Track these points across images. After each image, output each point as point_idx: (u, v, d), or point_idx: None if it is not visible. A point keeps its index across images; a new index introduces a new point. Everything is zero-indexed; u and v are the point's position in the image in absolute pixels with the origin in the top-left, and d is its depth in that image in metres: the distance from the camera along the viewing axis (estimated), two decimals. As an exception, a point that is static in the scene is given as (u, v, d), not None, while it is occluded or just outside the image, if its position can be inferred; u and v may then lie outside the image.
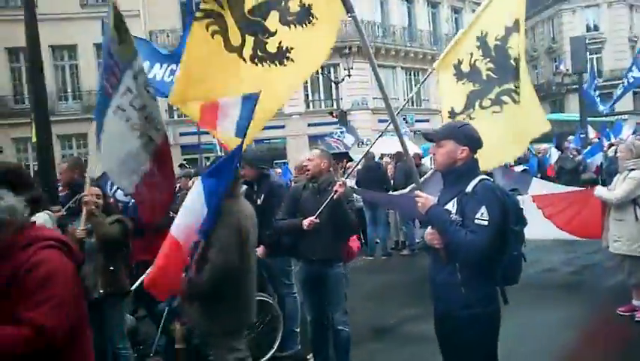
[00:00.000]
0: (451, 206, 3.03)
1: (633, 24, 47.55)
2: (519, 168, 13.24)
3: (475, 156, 3.13)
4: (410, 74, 32.91)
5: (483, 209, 2.88)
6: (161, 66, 7.07)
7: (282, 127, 28.42)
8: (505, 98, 4.51)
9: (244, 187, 5.83)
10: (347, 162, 12.39)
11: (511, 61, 4.51)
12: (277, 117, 28.58)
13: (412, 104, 32.57)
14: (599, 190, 6.42)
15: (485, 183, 3.01)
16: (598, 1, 46.55)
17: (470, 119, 4.45)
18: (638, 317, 6.00)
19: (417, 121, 31.93)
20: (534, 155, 15.67)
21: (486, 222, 2.85)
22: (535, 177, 13.12)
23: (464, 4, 35.61)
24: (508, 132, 4.51)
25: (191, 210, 3.53)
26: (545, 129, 4.68)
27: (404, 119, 30.68)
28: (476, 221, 2.88)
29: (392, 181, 11.07)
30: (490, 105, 4.55)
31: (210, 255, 3.46)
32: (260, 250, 5.22)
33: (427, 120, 32.64)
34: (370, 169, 10.56)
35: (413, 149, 11.69)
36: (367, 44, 3.78)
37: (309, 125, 28.02)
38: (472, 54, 4.64)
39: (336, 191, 4.58)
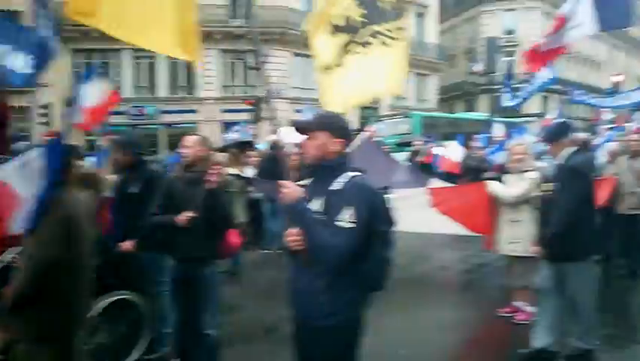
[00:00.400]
0: (319, 204, 2.79)
1: (546, 30, 49.51)
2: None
3: (347, 150, 2.93)
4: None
5: (351, 210, 2.66)
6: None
7: (194, 111, 27.63)
8: (371, 39, 4.46)
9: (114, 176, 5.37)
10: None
11: (379, 2, 4.47)
12: (189, 101, 27.80)
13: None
14: (494, 186, 6.36)
15: (355, 181, 2.78)
16: (516, 5, 48.26)
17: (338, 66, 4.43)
18: (516, 319, 6.02)
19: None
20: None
21: (352, 225, 2.63)
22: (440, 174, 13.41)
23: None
24: (368, 74, 4.44)
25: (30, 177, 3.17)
26: (397, 92, 4.82)
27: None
28: (341, 223, 2.65)
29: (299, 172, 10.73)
30: (357, 48, 4.48)
31: (31, 249, 3.00)
32: (127, 244, 4.88)
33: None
34: (271, 159, 10.21)
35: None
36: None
37: (223, 111, 27.24)
38: (347, 7, 4.52)
39: (208, 181, 4.23)
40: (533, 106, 44.92)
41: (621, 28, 7.08)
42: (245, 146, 11.78)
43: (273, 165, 9.92)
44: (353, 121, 30.91)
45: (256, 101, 21.13)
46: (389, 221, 2.94)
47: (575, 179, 4.59)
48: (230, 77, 28.71)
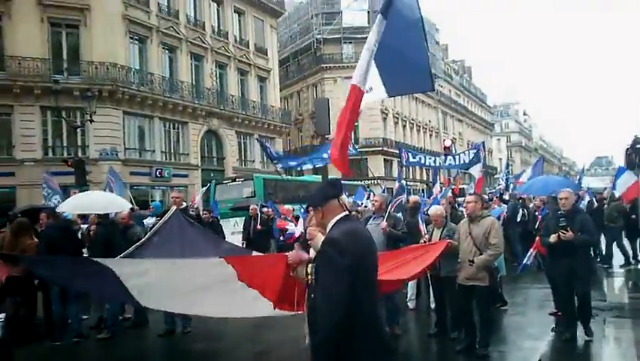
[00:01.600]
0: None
1: (385, 99, 52.46)
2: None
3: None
4: (169, 126, 31.08)
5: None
6: None
7: (12, 174, 24.47)
8: None
9: None
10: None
11: None
12: (6, 163, 24.66)
13: (171, 158, 30.87)
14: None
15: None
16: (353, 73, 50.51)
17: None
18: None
19: (174, 175, 30.21)
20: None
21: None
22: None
23: (229, 60, 35.34)
24: None
25: None
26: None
27: (159, 172, 28.86)
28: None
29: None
30: None
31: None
32: None
33: (186, 175, 31.12)
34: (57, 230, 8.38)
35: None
36: None
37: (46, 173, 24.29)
38: None
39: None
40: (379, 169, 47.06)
41: (415, 92, 6.55)
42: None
43: (60, 239, 7.93)
44: (196, 184, 29.47)
45: (77, 163, 18.90)
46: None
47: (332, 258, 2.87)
48: (56, 136, 26.02)
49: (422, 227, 8.11)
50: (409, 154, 16.48)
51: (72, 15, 26.48)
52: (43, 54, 25.45)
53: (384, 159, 50.04)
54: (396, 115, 55.03)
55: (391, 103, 53.46)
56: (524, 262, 8.46)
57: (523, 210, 14.48)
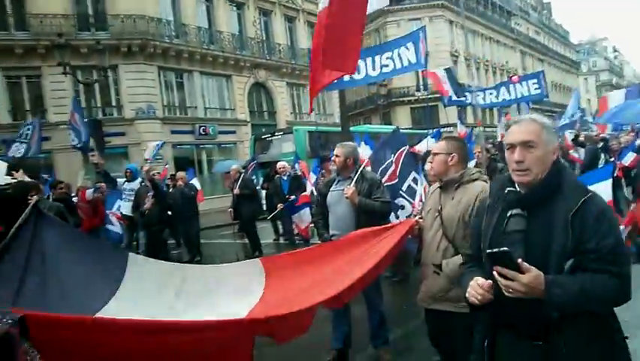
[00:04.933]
0: None
1: (453, 39, 48.69)
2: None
3: None
4: (211, 80, 29.06)
5: None
6: None
7: (47, 138, 23.28)
8: None
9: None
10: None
11: None
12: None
13: (215, 114, 28.97)
14: None
15: None
16: (420, 15, 47.14)
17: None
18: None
19: (220, 133, 28.33)
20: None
21: None
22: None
23: (274, 7, 32.72)
24: None
25: None
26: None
27: (203, 130, 27.14)
28: None
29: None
30: None
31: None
32: None
33: (234, 132, 29.15)
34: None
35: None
36: None
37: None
38: None
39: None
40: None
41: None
42: None
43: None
44: (245, 141, 27.56)
45: (93, 123, 17.15)
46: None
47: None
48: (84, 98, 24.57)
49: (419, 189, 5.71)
50: (467, 93, 13.43)
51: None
52: (65, 10, 23.88)
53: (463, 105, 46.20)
54: (468, 57, 50.72)
55: (462, 44, 49.36)
56: None
57: (606, 155, 10.49)
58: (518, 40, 60.28)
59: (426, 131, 18.55)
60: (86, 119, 12.52)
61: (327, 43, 4.96)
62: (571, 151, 10.70)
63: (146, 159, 14.34)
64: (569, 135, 14.73)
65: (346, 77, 7.36)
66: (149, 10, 25.24)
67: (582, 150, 11.44)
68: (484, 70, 53.71)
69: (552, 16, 79.50)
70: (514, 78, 23.77)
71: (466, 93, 13.36)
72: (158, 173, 13.06)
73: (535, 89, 12.44)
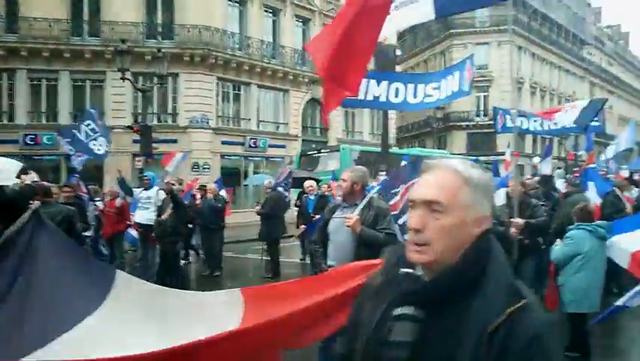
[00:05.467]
0: None
1: (520, 65, 47.46)
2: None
3: None
4: (269, 94, 29.29)
5: None
6: None
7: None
8: None
9: None
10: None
11: None
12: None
13: (268, 128, 29.17)
14: None
15: None
16: (488, 39, 46.26)
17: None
18: None
19: (270, 146, 28.47)
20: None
21: None
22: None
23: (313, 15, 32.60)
24: None
25: None
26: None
27: (253, 142, 27.31)
28: None
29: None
30: None
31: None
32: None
33: (283, 146, 29.22)
34: None
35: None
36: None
37: (134, 141, 23.59)
38: None
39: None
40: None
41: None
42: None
43: None
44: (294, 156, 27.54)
45: (143, 129, 17.51)
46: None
47: None
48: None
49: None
50: (507, 117, 12.75)
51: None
52: (136, 17, 24.73)
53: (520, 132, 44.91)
54: (534, 85, 49.46)
55: (528, 71, 48.21)
56: (623, 302, 4.85)
57: None
58: (589, 70, 58.19)
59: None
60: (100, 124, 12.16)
61: (337, 57, 4.77)
62: (625, 192, 9.94)
63: (167, 170, 14.29)
64: (624, 173, 14.03)
65: (382, 99, 7.20)
66: (216, 22, 25.86)
67: (635, 190, 10.72)
68: (549, 99, 52.06)
69: (629, 47, 76.43)
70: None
71: (520, 119, 12.62)
72: (178, 183, 13.08)
73: (587, 112, 11.69)
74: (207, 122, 25.56)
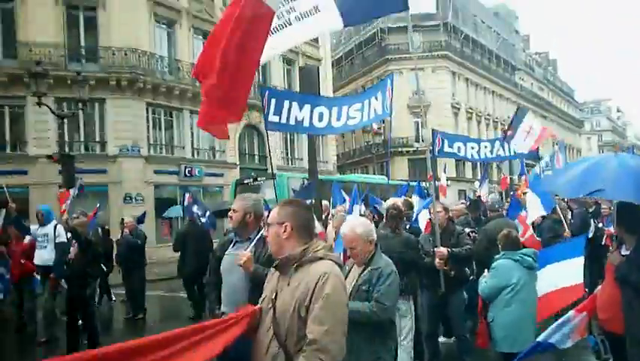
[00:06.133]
0: None
1: (455, 91, 48.44)
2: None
3: None
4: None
5: None
6: None
7: (25, 172, 22.50)
8: None
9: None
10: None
11: None
12: (18, 160, 22.77)
13: (203, 155, 28.31)
14: None
15: None
16: (423, 65, 47.03)
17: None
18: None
19: (207, 175, 27.60)
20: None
21: None
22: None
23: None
24: None
25: None
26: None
27: (189, 171, 26.41)
28: None
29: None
30: None
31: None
32: None
33: (221, 175, 28.39)
34: None
35: None
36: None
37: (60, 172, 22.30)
38: None
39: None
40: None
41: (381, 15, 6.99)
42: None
43: None
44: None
45: (64, 158, 16.39)
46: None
47: None
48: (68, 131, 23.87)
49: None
50: (445, 141, 12.49)
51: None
52: (56, 38, 23.39)
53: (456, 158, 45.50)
54: (470, 110, 50.52)
55: (464, 97, 49.29)
56: (545, 338, 4.37)
57: (596, 221, 9.28)
58: (521, 95, 60.12)
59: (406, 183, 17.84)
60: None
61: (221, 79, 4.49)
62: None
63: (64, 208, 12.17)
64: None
65: (306, 123, 6.81)
66: (143, 45, 24.75)
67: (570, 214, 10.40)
68: (485, 123, 53.33)
69: (557, 73, 79.65)
70: (509, 132, 22.76)
71: (458, 144, 12.44)
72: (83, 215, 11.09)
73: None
74: (138, 151, 24.30)
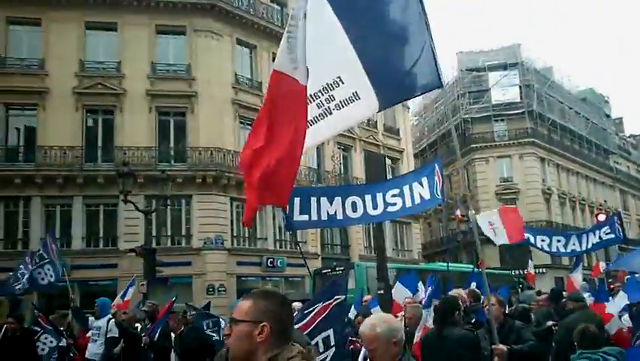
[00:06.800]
0: None
1: (546, 177, 46.91)
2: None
3: None
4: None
5: None
6: None
7: (115, 266, 23.56)
8: None
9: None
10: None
11: None
12: (109, 255, 23.94)
13: (285, 246, 28.56)
14: None
15: None
16: (509, 152, 46.29)
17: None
18: None
19: (289, 265, 27.68)
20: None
21: None
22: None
23: (354, 141, 33.06)
24: None
25: None
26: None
27: (271, 262, 26.61)
28: None
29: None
30: None
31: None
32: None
33: (303, 265, 28.33)
34: None
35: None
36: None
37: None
38: None
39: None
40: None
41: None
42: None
43: None
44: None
45: (146, 252, 16.96)
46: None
47: None
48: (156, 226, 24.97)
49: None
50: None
51: (179, 103, 26.42)
52: (149, 142, 25.22)
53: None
54: (563, 195, 48.41)
55: (555, 182, 47.48)
56: None
57: None
58: (618, 178, 57.15)
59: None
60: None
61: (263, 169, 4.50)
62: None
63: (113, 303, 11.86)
64: None
65: (339, 216, 6.53)
66: (227, 144, 26.12)
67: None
68: (580, 209, 50.67)
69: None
70: (600, 217, 21.36)
71: (528, 235, 11.72)
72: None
73: (607, 233, 10.80)
74: (222, 243, 25.08)
